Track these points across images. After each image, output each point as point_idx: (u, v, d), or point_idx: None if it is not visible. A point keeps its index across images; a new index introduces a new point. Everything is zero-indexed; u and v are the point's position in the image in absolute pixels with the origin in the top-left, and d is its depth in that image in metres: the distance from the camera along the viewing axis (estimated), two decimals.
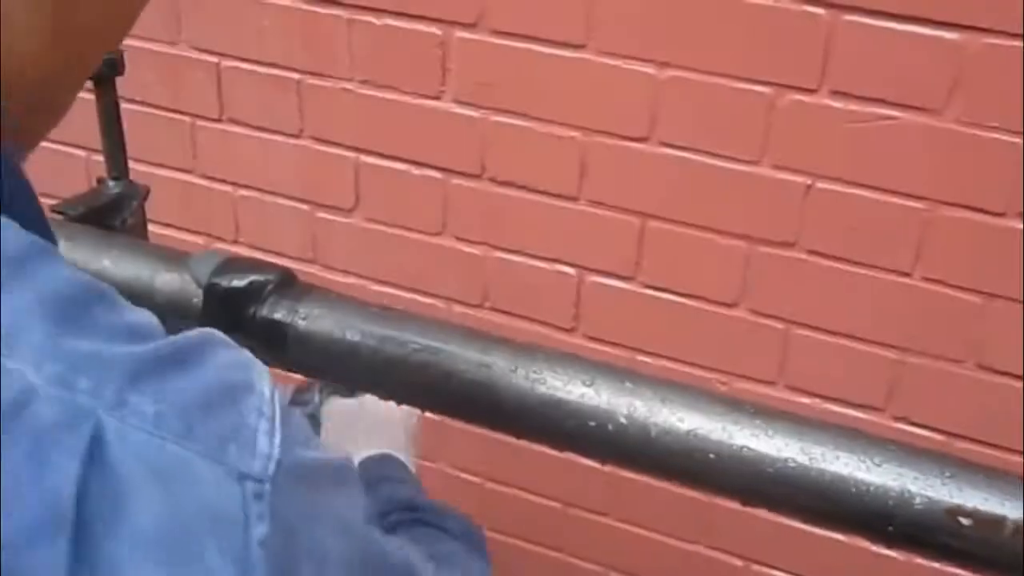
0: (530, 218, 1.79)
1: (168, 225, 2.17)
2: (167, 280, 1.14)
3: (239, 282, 1.14)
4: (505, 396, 0.99)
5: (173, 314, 1.14)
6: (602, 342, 1.84)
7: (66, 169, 2.08)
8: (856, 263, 1.61)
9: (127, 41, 2.05)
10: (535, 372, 0.98)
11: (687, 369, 1.78)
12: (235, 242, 2.11)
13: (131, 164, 2.14)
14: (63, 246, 1.19)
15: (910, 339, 1.63)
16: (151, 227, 2.18)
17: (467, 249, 1.88)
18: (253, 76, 1.92)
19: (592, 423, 0.94)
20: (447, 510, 1.08)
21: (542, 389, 0.97)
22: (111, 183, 1.35)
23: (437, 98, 1.77)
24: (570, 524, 2.00)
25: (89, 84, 1.41)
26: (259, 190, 2.03)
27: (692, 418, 0.91)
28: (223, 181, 2.06)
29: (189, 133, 2.04)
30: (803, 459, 0.87)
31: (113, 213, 1.34)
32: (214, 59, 1.94)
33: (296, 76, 1.88)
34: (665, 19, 1.57)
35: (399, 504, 1.06)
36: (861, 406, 1.70)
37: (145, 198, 1.39)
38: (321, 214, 1.99)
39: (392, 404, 1.13)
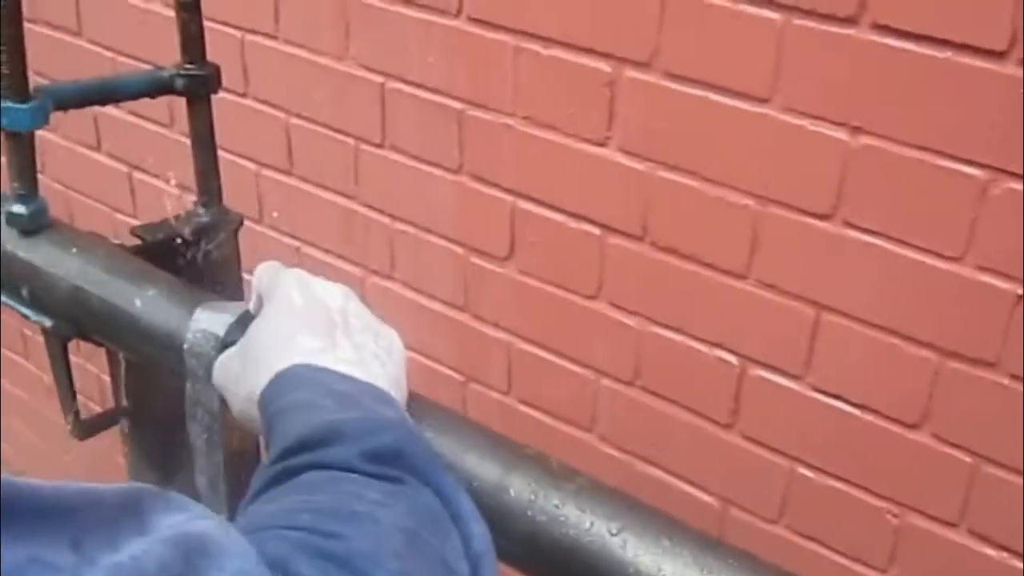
0: (692, 292, 1.56)
1: (327, 251, 2.04)
2: (196, 329, 0.99)
3: None
4: (516, 529, 0.79)
5: (196, 367, 0.98)
6: (761, 445, 1.58)
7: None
8: None
9: (295, 50, 1.92)
10: (556, 505, 0.77)
11: (854, 492, 1.50)
12: (389, 278, 1.96)
13: (295, 183, 2.04)
14: (102, 277, 1.06)
15: None
16: (310, 249, 2.07)
17: (622, 318, 1.66)
18: (415, 101, 1.76)
19: None
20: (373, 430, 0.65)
21: (559, 528, 0.77)
22: (200, 209, 1.23)
23: (602, 144, 1.57)
24: None
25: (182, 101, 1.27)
26: (415, 225, 1.88)
27: None
28: (381, 212, 1.92)
29: (353, 156, 1.91)
30: None
31: (197, 242, 1.22)
32: (379, 79, 1.80)
33: (458, 105, 1.71)
34: (864, 76, 1.31)
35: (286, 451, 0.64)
36: None
37: (238, 228, 1.26)
38: (475, 259, 1.81)
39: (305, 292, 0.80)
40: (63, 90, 1.11)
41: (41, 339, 2.80)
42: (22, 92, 1.01)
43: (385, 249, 1.94)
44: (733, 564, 0.71)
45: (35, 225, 1.07)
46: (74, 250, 1.06)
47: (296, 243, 2.09)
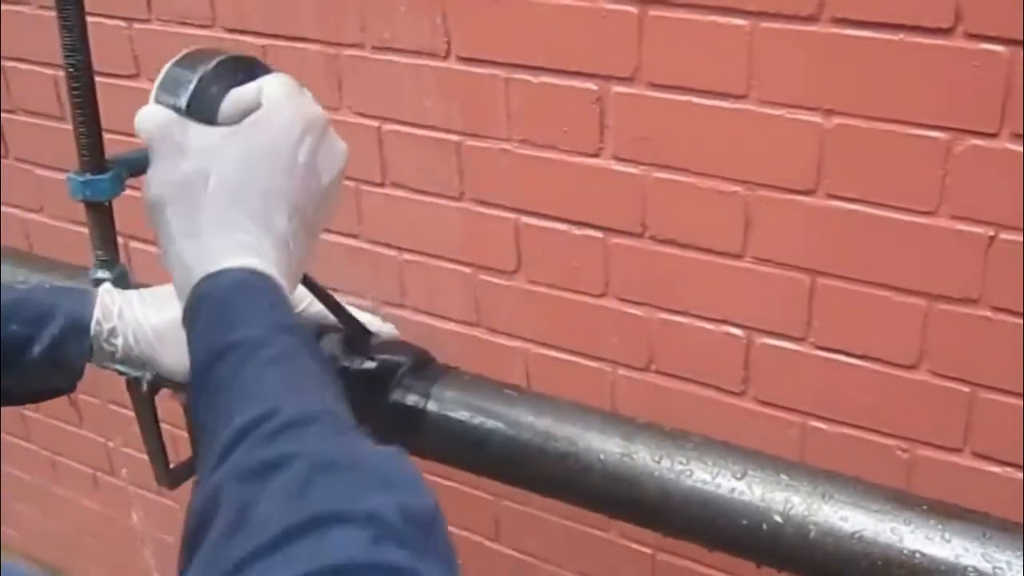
0: (694, 277, 1.72)
1: (334, 290, 2.17)
2: None
3: (370, 364, 1.12)
4: (648, 490, 0.93)
5: None
6: (773, 406, 1.75)
7: None
8: None
9: None
10: (681, 463, 0.92)
11: (864, 435, 1.67)
12: (400, 306, 2.09)
13: None
14: None
15: None
16: None
17: (631, 311, 1.82)
18: (413, 139, 1.90)
19: (744, 522, 0.88)
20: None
21: (688, 482, 0.91)
22: None
23: (596, 155, 1.72)
24: None
25: None
26: (423, 254, 2.02)
27: (857, 517, 0.82)
28: (388, 245, 2.05)
29: (354, 198, 2.05)
30: (986, 567, 0.77)
31: None
32: (375, 123, 1.94)
33: (455, 138, 1.86)
34: (829, 65, 1.49)
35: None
36: None
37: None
38: (484, 276, 1.96)
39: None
40: (134, 159, 1.21)
41: (42, 419, 2.90)
42: (99, 164, 1.07)
43: (395, 280, 2.07)
44: (846, 486, 0.86)
45: (119, 289, 1.12)
46: None
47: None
